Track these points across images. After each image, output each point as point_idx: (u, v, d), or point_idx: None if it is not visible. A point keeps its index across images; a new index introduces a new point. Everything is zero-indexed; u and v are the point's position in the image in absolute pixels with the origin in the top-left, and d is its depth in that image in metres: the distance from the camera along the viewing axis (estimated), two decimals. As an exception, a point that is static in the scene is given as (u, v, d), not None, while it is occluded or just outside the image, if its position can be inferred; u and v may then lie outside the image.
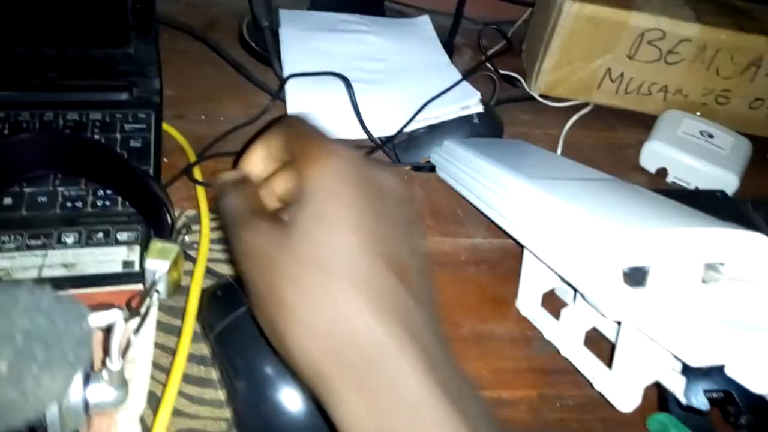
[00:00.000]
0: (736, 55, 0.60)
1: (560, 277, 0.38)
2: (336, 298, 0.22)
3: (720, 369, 0.31)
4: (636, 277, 0.31)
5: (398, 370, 0.21)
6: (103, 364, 0.29)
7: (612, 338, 0.38)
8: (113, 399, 0.29)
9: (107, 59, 0.51)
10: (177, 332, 0.38)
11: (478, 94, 0.57)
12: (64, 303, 0.16)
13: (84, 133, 0.47)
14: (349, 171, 0.25)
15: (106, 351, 0.28)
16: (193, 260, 0.41)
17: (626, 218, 0.32)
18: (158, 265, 0.36)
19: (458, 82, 0.59)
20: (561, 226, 0.35)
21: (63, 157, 0.44)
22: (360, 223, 0.23)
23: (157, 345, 0.37)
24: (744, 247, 0.32)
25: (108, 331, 0.26)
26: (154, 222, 0.41)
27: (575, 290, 0.39)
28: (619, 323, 0.34)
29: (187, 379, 0.36)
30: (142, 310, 0.34)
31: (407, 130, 0.55)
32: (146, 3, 0.50)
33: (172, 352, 0.37)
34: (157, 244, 0.36)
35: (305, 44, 0.62)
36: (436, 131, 0.55)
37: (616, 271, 0.30)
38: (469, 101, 0.56)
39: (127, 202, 0.43)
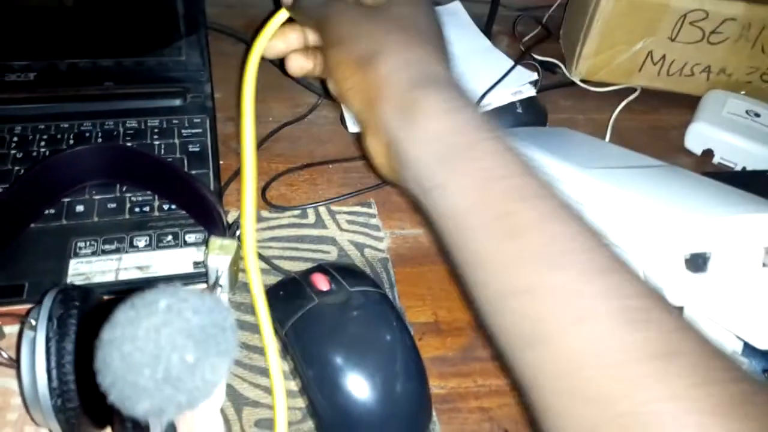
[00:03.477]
0: (782, 31, 0.59)
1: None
2: (423, 47, 0.31)
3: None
4: (697, 263, 0.32)
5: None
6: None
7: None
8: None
9: (161, 67, 0.53)
10: (247, 327, 0.40)
11: (533, 75, 0.58)
12: (213, 300, 0.18)
13: (144, 139, 0.50)
14: None
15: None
16: (261, 257, 0.43)
17: (685, 205, 0.32)
18: (220, 261, 0.38)
19: (513, 68, 0.59)
20: (620, 215, 0.35)
21: (109, 166, 0.45)
22: (429, 10, 0.33)
23: (230, 340, 0.39)
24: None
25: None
26: (206, 222, 0.43)
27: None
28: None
29: (261, 372, 0.38)
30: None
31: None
32: (196, 10, 0.51)
33: (245, 347, 0.39)
34: (216, 242, 0.38)
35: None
36: (481, 122, 0.56)
37: (677, 258, 0.31)
38: (521, 86, 0.57)
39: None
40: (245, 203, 0.34)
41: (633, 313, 0.22)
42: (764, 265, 0.33)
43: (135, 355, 0.16)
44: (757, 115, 0.59)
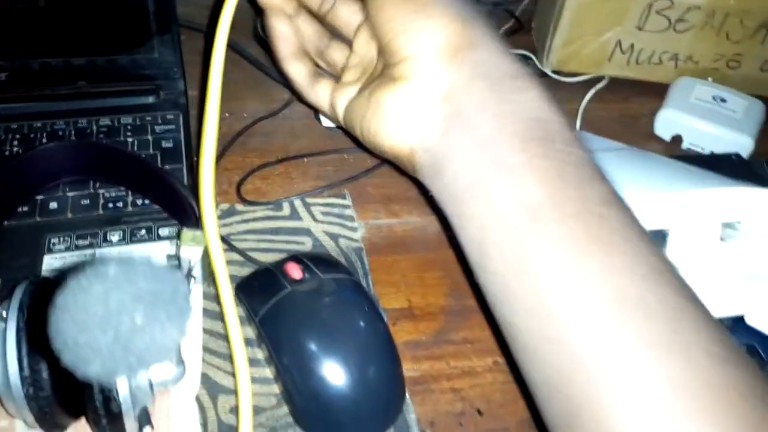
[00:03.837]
0: (746, 18, 0.61)
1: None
2: None
3: (741, 321, 0.32)
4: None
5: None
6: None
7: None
8: (174, 376, 0.31)
9: (133, 64, 0.53)
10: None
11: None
12: (166, 269, 0.18)
13: (117, 136, 0.50)
14: None
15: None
16: (235, 249, 0.43)
17: (643, 184, 0.33)
18: (192, 252, 0.38)
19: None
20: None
21: (82, 163, 0.45)
22: None
23: (205, 330, 0.40)
24: (758, 204, 0.33)
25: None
26: (179, 215, 0.43)
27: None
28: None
29: (235, 360, 0.38)
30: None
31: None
32: (167, 8, 0.52)
33: (221, 337, 0.39)
34: (188, 233, 0.39)
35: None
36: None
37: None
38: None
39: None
40: (203, 186, 0.35)
41: None
42: (722, 239, 0.34)
43: (85, 318, 0.16)
44: (724, 100, 0.60)
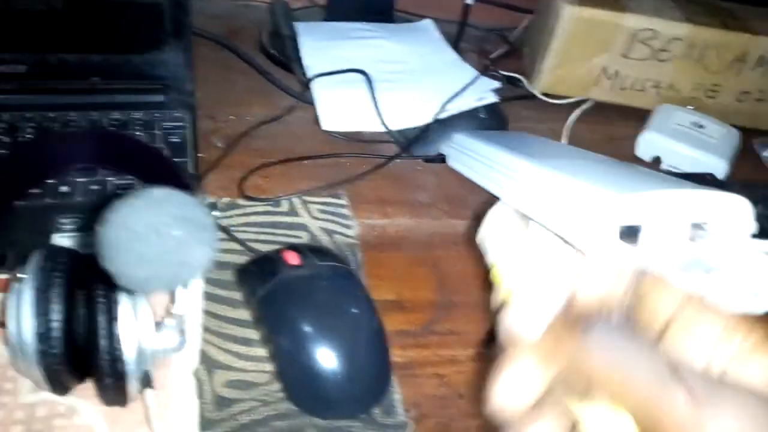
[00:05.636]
0: (723, 51, 0.65)
1: (565, 242, 0.42)
2: None
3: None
4: (630, 236, 0.35)
5: None
6: (167, 313, 0.33)
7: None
8: (176, 344, 0.33)
9: (146, 64, 0.56)
10: (219, 300, 0.42)
11: (495, 83, 0.62)
12: (198, 202, 0.20)
13: (127, 130, 0.52)
14: None
15: (171, 299, 0.32)
16: (235, 239, 0.46)
17: (619, 185, 0.36)
18: None
19: (477, 77, 0.64)
20: (564, 197, 0.39)
21: (93, 150, 0.48)
22: None
23: (204, 311, 0.42)
24: (725, 207, 0.36)
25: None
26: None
27: (578, 257, 0.43)
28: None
29: (234, 339, 0.40)
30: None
31: (418, 124, 0.60)
32: (182, 12, 0.55)
33: (217, 317, 0.41)
34: None
35: (324, 51, 0.67)
36: (446, 125, 0.60)
37: (612, 229, 0.35)
38: (484, 93, 0.61)
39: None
40: None
41: None
42: (692, 239, 0.37)
43: (132, 232, 0.18)
44: (702, 126, 0.64)
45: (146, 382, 0.33)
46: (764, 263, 0.35)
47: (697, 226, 0.38)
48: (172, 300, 0.32)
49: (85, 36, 0.54)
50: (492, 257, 0.22)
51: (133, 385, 0.32)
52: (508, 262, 0.21)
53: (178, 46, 0.56)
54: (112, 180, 0.47)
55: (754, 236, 0.38)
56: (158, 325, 0.34)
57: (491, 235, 0.22)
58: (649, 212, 0.37)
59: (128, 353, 0.31)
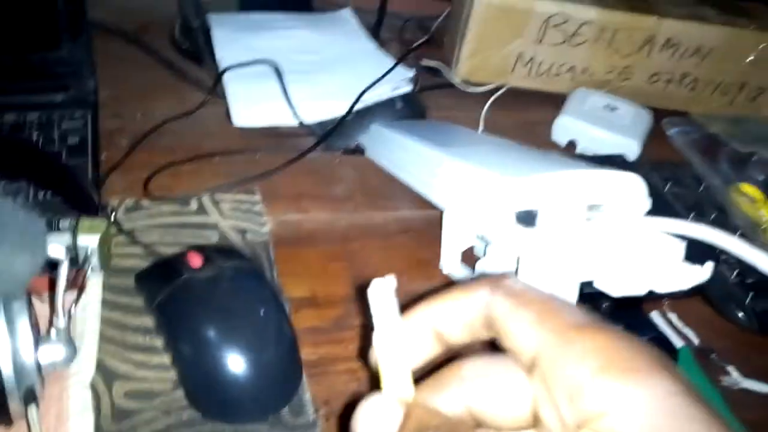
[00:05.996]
0: (633, 34, 0.66)
1: (474, 232, 0.42)
2: None
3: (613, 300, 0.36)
4: (527, 218, 0.35)
5: None
6: (50, 325, 0.32)
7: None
8: (64, 357, 0.32)
9: (42, 62, 0.53)
10: (119, 308, 0.40)
11: (411, 72, 0.62)
12: (23, 209, 0.19)
13: (22, 133, 0.49)
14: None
15: (52, 310, 0.30)
16: (138, 242, 0.44)
17: (514, 170, 0.36)
18: (89, 240, 0.39)
19: (393, 67, 0.63)
20: (466, 184, 0.39)
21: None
22: None
23: (104, 320, 0.40)
24: (620, 186, 0.37)
25: (52, 287, 0.29)
26: (79, 206, 0.43)
27: (486, 244, 0.43)
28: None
29: (134, 348, 0.39)
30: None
31: (334, 116, 0.59)
32: (76, 6, 0.52)
33: (117, 326, 0.39)
34: (85, 222, 0.39)
35: (238, 43, 0.66)
36: (363, 116, 0.59)
37: (508, 213, 0.35)
38: (400, 83, 0.61)
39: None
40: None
41: None
42: (588, 220, 0.38)
43: None
44: (615, 109, 0.65)
45: (29, 398, 0.31)
46: (658, 242, 0.36)
47: (593, 207, 0.39)
48: (54, 311, 0.31)
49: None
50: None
51: (14, 403, 0.31)
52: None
53: (76, 41, 0.54)
54: (4, 185, 0.45)
55: (648, 214, 0.39)
56: (43, 338, 0.32)
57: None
58: (545, 194, 0.37)
59: (5, 370, 0.30)
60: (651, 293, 0.33)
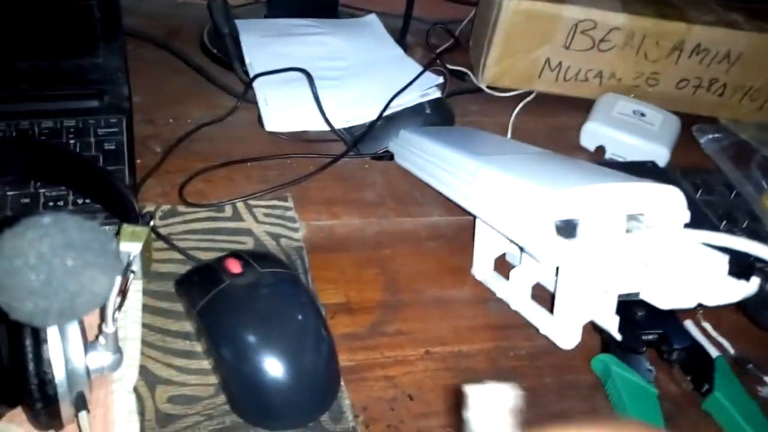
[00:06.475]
0: (661, 40, 0.66)
1: (509, 240, 0.42)
2: None
3: (649, 307, 0.36)
4: (567, 229, 0.36)
5: None
6: (99, 332, 0.32)
7: (553, 290, 0.42)
8: (110, 362, 0.32)
9: (78, 69, 0.54)
10: (161, 313, 0.41)
11: (440, 79, 0.62)
12: (97, 226, 0.19)
13: (60, 139, 0.50)
14: None
15: (102, 318, 0.31)
16: (176, 248, 0.44)
17: (555, 181, 0.36)
18: (131, 247, 0.39)
19: (422, 73, 0.63)
20: (504, 194, 0.39)
21: (23, 161, 0.46)
22: None
23: (144, 325, 0.40)
24: (659, 198, 0.37)
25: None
26: (119, 213, 0.44)
27: (521, 251, 0.43)
28: (557, 273, 0.38)
29: (175, 353, 0.39)
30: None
31: (364, 121, 0.59)
32: (112, 14, 0.53)
33: (159, 331, 0.40)
34: (127, 229, 0.40)
35: (267, 49, 0.66)
36: (392, 122, 0.60)
37: (548, 225, 0.35)
38: (428, 89, 0.61)
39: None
40: None
41: None
42: (627, 231, 0.38)
43: (19, 262, 0.17)
44: (643, 114, 0.65)
45: (80, 404, 0.32)
46: (697, 254, 0.36)
47: (632, 218, 0.39)
48: (103, 318, 0.31)
49: (11, 41, 0.52)
50: None
51: (66, 408, 0.31)
52: None
53: (111, 48, 0.54)
54: (44, 192, 0.46)
55: (686, 226, 0.38)
56: (91, 344, 0.32)
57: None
58: (585, 206, 0.37)
59: (58, 375, 0.30)
60: (700, 306, 0.33)
